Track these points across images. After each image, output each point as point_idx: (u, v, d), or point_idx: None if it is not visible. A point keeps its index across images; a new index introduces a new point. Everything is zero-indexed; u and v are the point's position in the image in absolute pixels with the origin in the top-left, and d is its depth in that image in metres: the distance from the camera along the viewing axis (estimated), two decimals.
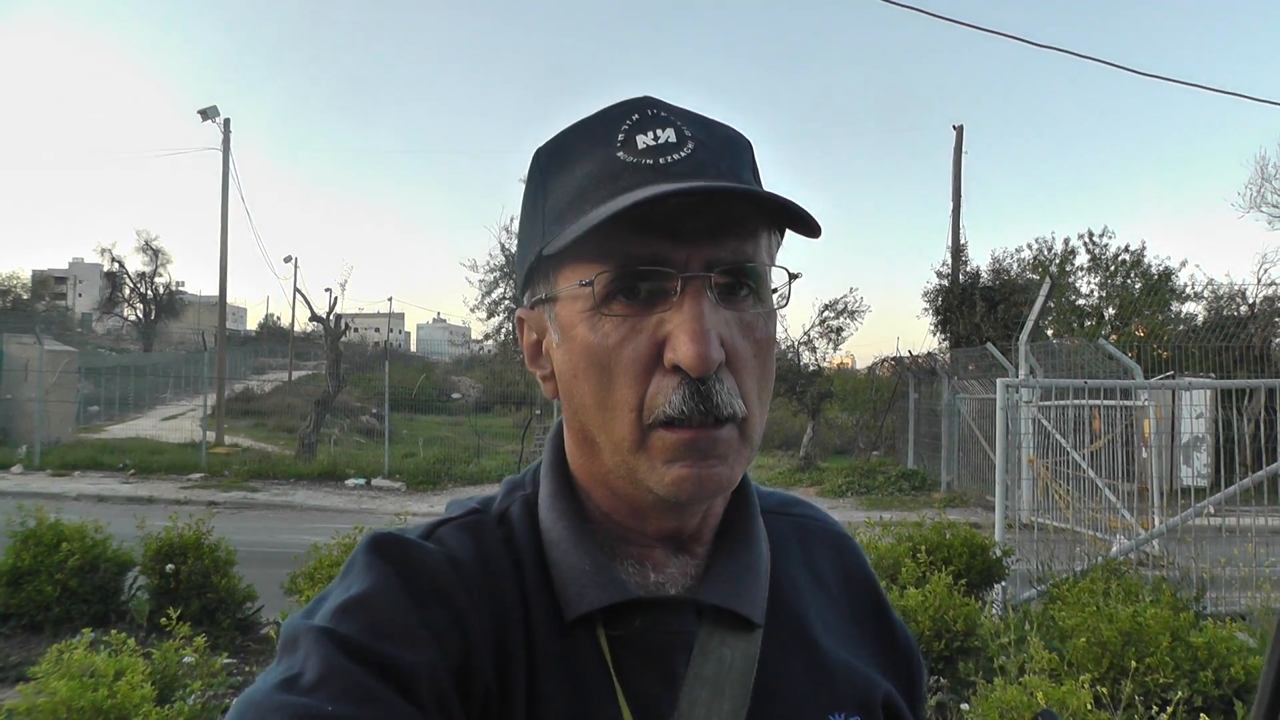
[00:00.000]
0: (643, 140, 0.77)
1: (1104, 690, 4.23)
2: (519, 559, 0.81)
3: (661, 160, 0.76)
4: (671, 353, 0.73)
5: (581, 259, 0.76)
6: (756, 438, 0.79)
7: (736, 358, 0.76)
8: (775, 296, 0.80)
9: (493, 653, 0.74)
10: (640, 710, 0.76)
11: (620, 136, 0.78)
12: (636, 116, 0.79)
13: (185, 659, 4.37)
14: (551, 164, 0.81)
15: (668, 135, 0.77)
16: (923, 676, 0.99)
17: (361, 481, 17.58)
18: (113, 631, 4.29)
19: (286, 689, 0.65)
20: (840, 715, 0.84)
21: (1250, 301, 22.45)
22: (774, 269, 0.80)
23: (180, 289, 46.91)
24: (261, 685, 0.67)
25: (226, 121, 24.17)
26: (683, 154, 0.76)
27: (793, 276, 0.81)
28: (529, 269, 0.83)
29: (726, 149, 0.80)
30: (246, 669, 5.45)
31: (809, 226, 0.77)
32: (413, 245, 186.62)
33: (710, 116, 0.83)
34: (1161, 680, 4.42)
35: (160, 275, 44.74)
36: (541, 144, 0.83)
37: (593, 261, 0.75)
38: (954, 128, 23.05)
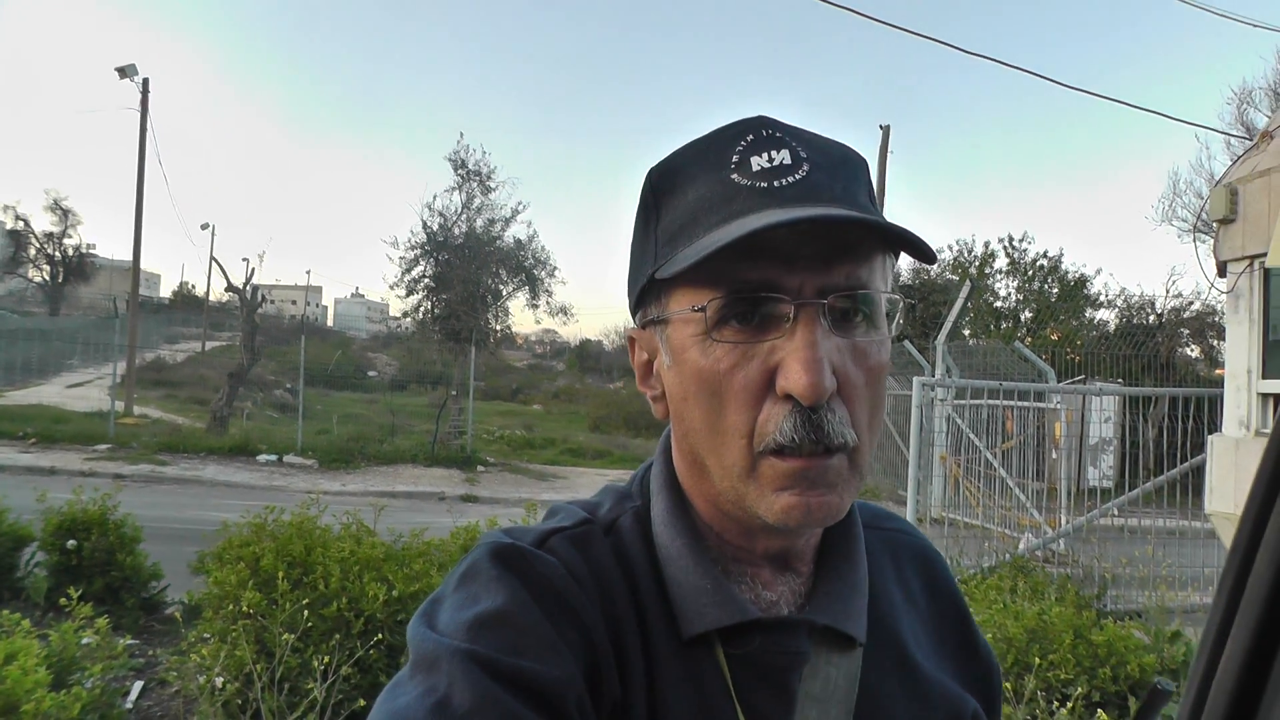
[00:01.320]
0: (757, 162, 0.76)
1: (1008, 686, 4.33)
2: (632, 572, 0.82)
3: (776, 184, 0.75)
4: (784, 380, 0.72)
5: (694, 283, 0.75)
6: (866, 466, 0.78)
7: (849, 385, 0.75)
8: (890, 323, 0.79)
9: (616, 665, 0.76)
10: None
11: (734, 158, 0.77)
12: (751, 137, 0.78)
13: (85, 641, 4.22)
14: (664, 184, 0.81)
15: (782, 157, 0.76)
16: (1000, 690, 1.01)
17: (274, 458, 17.24)
18: (4, 611, 4.12)
19: (439, 715, 0.65)
20: None
21: (1159, 311, 23.25)
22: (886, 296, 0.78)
23: (91, 252, 45.36)
24: (407, 705, 0.67)
25: (145, 81, 23.42)
26: (797, 176, 0.76)
27: (908, 303, 0.78)
28: (641, 289, 0.82)
29: (841, 170, 0.79)
30: (150, 651, 5.30)
31: (923, 252, 0.76)
32: (333, 218, 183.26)
33: (825, 135, 0.82)
34: (1063, 676, 4.54)
35: (69, 236, 43.33)
36: (654, 164, 0.82)
37: (705, 286, 0.74)
38: (880, 127, 23.34)
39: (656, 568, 0.82)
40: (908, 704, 0.86)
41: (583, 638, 0.74)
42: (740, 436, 0.74)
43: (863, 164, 0.83)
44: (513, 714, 0.65)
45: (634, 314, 0.86)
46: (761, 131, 0.78)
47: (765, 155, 0.76)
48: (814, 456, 0.73)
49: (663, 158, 0.82)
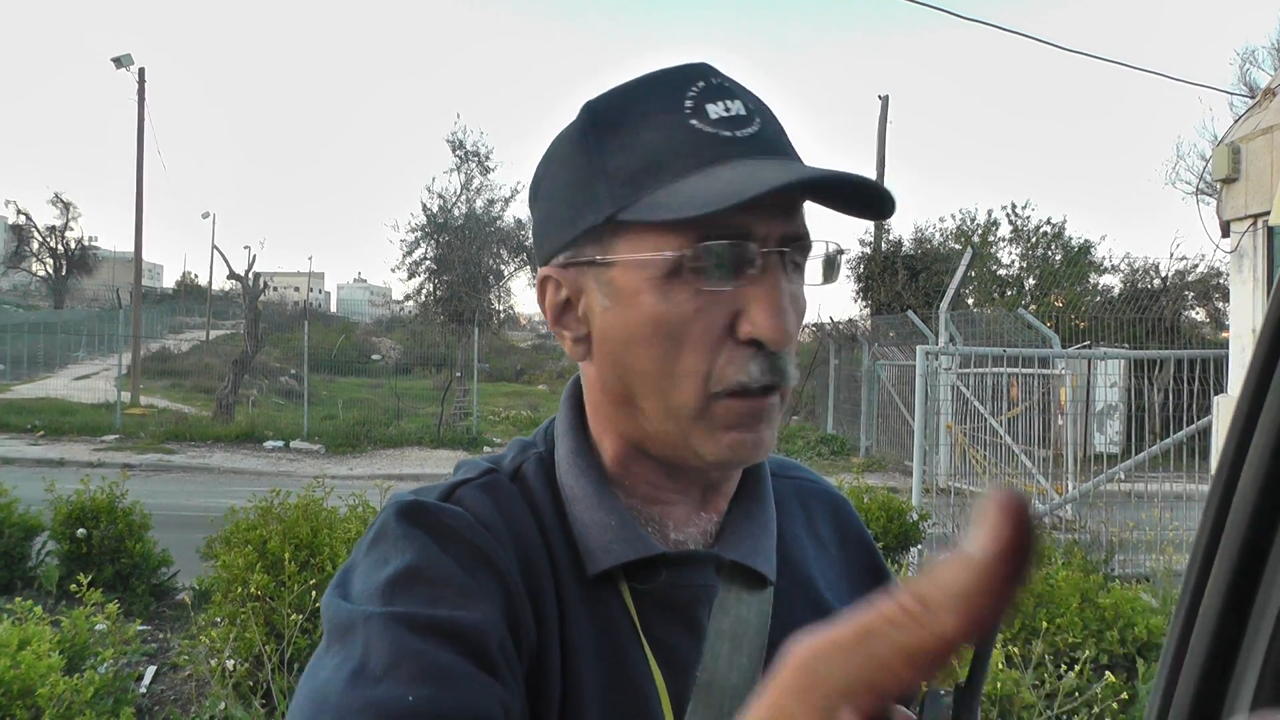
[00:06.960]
0: (714, 110, 0.76)
1: (1015, 650, 4.35)
2: (539, 515, 0.82)
3: (739, 134, 0.76)
4: (752, 327, 0.74)
5: (659, 228, 0.74)
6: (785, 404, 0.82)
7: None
8: (822, 269, 0.81)
9: (531, 608, 0.76)
10: (665, 661, 0.79)
11: (689, 104, 0.77)
12: (702, 84, 0.78)
13: (97, 626, 4.26)
14: (609, 121, 0.79)
15: (737, 108, 0.77)
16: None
17: (280, 444, 17.26)
18: (17, 599, 4.15)
19: (357, 682, 0.64)
20: None
21: (1163, 275, 23.15)
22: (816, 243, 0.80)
23: (93, 244, 45.36)
24: (326, 679, 0.65)
25: (141, 70, 23.33)
26: (753, 129, 0.77)
27: (840, 252, 0.82)
28: (583, 229, 0.79)
29: (778, 122, 0.81)
30: (161, 635, 5.34)
31: (880, 213, 0.78)
32: (334, 205, 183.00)
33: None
34: (1070, 640, 4.56)
35: (71, 229, 43.30)
36: (593, 98, 0.81)
37: (674, 232, 0.74)
38: (879, 97, 23.27)
39: (561, 509, 0.83)
40: None
41: (498, 583, 0.73)
42: (697, 378, 0.75)
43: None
44: (433, 663, 0.64)
45: (555, 253, 0.83)
46: (711, 79, 0.78)
47: (721, 104, 0.77)
48: (761, 396, 0.76)
49: (601, 93, 0.81)
